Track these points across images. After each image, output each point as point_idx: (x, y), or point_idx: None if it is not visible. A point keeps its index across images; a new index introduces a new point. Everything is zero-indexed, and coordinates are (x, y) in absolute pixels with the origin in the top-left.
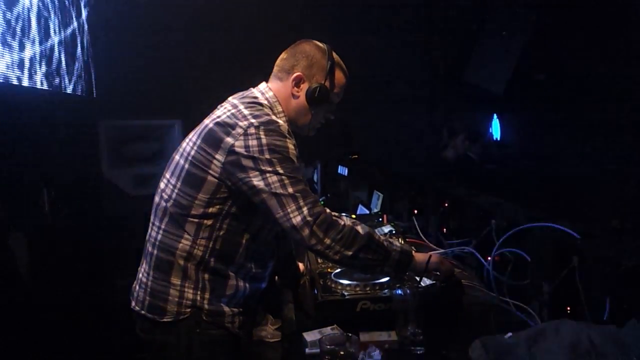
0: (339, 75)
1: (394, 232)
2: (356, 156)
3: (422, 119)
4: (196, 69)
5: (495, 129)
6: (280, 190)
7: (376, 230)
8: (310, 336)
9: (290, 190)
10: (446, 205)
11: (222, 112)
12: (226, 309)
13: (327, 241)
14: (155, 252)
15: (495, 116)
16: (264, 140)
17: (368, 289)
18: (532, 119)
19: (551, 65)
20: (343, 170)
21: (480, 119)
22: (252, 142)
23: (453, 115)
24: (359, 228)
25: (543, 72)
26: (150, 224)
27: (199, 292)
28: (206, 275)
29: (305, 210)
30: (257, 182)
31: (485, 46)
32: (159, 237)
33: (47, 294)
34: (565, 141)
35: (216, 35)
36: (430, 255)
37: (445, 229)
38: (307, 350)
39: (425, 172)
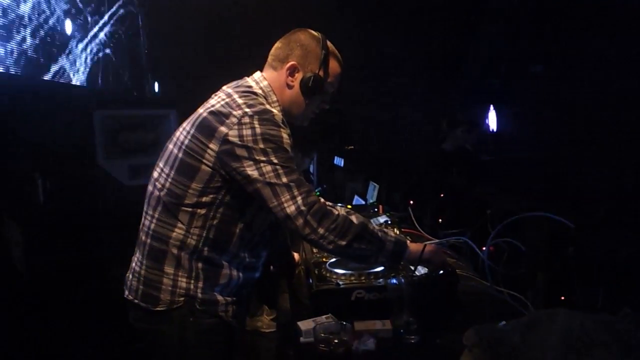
0: (333, 65)
1: (389, 222)
2: (352, 147)
3: (418, 110)
4: (191, 58)
5: (492, 120)
6: (274, 180)
7: (372, 221)
8: (304, 325)
9: (285, 179)
10: (442, 195)
11: (216, 101)
12: (219, 297)
13: (321, 231)
14: (148, 241)
15: (491, 107)
16: (258, 130)
17: (363, 278)
18: (528, 110)
19: (548, 56)
20: (339, 161)
21: (476, 110)
22: (246, 132)
23: (451, 107)
24: (353, 218)
25: (540, 63)
26: (144, 213)
27: (192, 281)
28: (200, 265)
29: (299, 199)
30: (251, 171)
31: (483, 37)
32: (153, 226)
33: (41, 284)
34: (561, 132)
35: (211, 25)
36: (425, 245)
37: (440, 219)
38: (301, 339)
39: (421, 163)
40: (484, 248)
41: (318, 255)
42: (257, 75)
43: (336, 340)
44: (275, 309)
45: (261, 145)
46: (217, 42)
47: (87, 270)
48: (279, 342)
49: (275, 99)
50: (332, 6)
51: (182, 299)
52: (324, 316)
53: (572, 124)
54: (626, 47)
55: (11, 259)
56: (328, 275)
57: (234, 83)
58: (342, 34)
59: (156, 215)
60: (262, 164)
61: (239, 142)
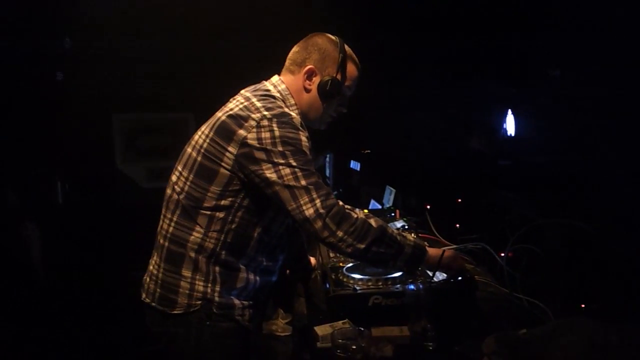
0: (351, 68)
1: (406, 227)
2: (368, 151)
3: (435, 114)
4: (209, 62)
5: (510, 125)
6: (293, 183)
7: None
8: (321, 330)
9: (303, 182)
10: (459, 200)
11: (235, 104)
12: (236, 301)
13: (340, 234)
14: (166, 244)
15: (509, 111)
16: (276, 133)
17: (380, 283)
18: (546, 115)
19: (566, 60)
20: (355, 165)
21: (494, 114)
22: (265, 135)
23: (469, 110)
24: (372, 221)
25: (558, 67)
26: (162, 217)
27: (209, 285)
28: (217, 268)
29: (318, 202)
30: (270, 174)
31: (500, 42)
32: (171, 229)
33: (59, 284)
34: (580, 137)
35: (229, 29)
36: (444, 251)
37: (458, 225)
38: (318, 344)
39: (438, 167)
40: (502, 254)
41: (335, 259)
42: (275, 78)
43: (354, 347)
44: (291, 313)
45: (280, 148)
46: (236, 46)
47: (104, 271)
48: (295, 346)
49: (293, 102)
50: (347, 10)
51: (199, 302)
52: (340, 321)
53: (591, 128)
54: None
55: (30, 259)
56: (345, 280)
57: (252, 87)
58: (358, 38)
59: (175, 219)
60: (280, 167)
61: (258, 145)
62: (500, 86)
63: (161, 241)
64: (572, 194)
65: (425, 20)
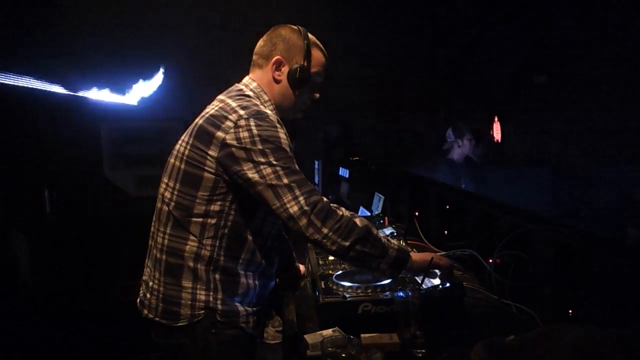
0: (317, 55)
1: (395, 233)
2: (357, 158)
3: (423, 121)
4: (198, 70)
5: (496, 131)
6: (275, 182)
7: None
8: (311, 338)
9: (285, 180)
10: (447, 207)
11: (211, 108)
12: (240, 308)
13: (325, 230)
14: (163, 257)
15: (496, 118)
16: (255, 131)
17: (369, 291)
18: (533, 121)
19: (553, 67)
20: (344, 172)
21: (481, 121)
22: (244, 134)
23: (456, 116)
24: (357, 220)
25: (544, 74)
26: (155, 231)
27: (211, 293)
28: (217, 276)
29: (301, 199)
30: (252, 174)
31: (487, 48)
32: (166, 242)
33: (47, 294)
34: (567, 143)
35: (218, 38)
36: (432, 257)
37: (446, 231)
38: (308, 352)
39: (426, 173)
40: (490, 260)
41: (324, 267)
42: (246, 79)
43: (344, 355)
44: (280, 321)
45: (259, 146)
46: (224, 55)
47: (93, 280)
48: (285, 354)
49: (267, 98)
50: (334, 18)
51: (202, 312)
52: (330, 329)
53: (578, 134)
54: (632, 55)
55: (18, 269)
56: (334, 287)
57: (225, 91)
58: (345, 46)
59: (168, 231)
60: (262, 166)
61: (237, 145)
62: (486, 93)
63: (158, 255)
64: (559, 200)
65: (412, 28)
